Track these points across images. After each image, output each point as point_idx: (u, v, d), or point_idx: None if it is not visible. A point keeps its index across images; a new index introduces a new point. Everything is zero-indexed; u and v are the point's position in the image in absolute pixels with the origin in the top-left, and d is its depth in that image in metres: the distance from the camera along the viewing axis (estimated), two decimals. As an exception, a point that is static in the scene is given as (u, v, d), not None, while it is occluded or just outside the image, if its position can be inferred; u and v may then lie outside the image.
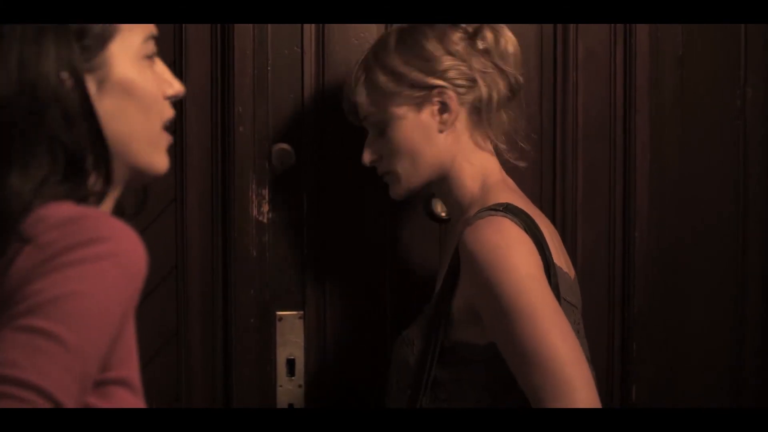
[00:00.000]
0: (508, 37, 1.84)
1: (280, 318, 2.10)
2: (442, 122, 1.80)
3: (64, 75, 1.19)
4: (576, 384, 1.57)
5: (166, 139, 1.32)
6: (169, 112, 1.32)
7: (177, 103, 2.02)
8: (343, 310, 2.14)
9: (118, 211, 1.31)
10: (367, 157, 1.89)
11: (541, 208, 2.16)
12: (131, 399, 1.17)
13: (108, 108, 1.23)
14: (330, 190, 2.12)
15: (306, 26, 2.08)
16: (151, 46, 1.28)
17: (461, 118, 1.81)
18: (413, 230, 2.15)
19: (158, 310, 2.08)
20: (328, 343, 2.13)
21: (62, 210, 1.13)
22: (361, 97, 1.85)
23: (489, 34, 1.82)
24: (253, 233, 2.08)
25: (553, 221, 2.16)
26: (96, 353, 1.08)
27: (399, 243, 2.14)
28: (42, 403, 1.03)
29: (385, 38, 1.87)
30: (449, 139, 1.81)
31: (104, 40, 1.23)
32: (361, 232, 2.12)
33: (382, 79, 1.82)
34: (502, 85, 1.82)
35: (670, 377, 2.26)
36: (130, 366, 1.17)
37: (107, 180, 1.22)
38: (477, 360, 1.72)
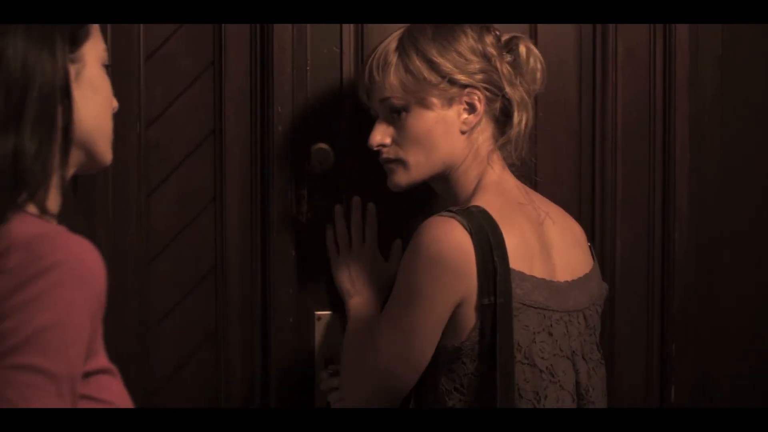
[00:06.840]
0: (536, 55, 1.86)
1: (319, 318, 2.10)
2: (466, 123, 1.82)
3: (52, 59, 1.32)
4: (372, 381, 1.78)
5: (112, 137, 1.47)
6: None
7: (216, 101, 2.07)
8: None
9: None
10: (377, 138, 1.87)
11: (580, 207, 2.16)
12: (112, 381, 1.31)
13: (81, 96, 1.36)
14: (368, 189, 2.11)
15: (345, 25, 2.08)
16: (107, 57, 1.44)
17: (482, 122, 1.83)
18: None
19: (197, 310, 2.09)
20: (367, 343, 2.13)
21: (23, 229, 1.24)
22: (391, 76, 1.82)
23: (520, 48, 1.85)
24: (292, 233, 2.08)
25: (592, 220, 2.16)
26: (77, 368, 1.21)
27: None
28: None
29: (421, 26, 1.84)
30: (466, 142, 1.83)
31: (83, 38, 1.37)
32: (399, 231, 2.11)
33: (418, 64, 1.80)
34: (530, 107, 1.85)
35: (710, 378, 2.25)
36: (100, 355, 1.29)
37: (65, 168, 1.35)
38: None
